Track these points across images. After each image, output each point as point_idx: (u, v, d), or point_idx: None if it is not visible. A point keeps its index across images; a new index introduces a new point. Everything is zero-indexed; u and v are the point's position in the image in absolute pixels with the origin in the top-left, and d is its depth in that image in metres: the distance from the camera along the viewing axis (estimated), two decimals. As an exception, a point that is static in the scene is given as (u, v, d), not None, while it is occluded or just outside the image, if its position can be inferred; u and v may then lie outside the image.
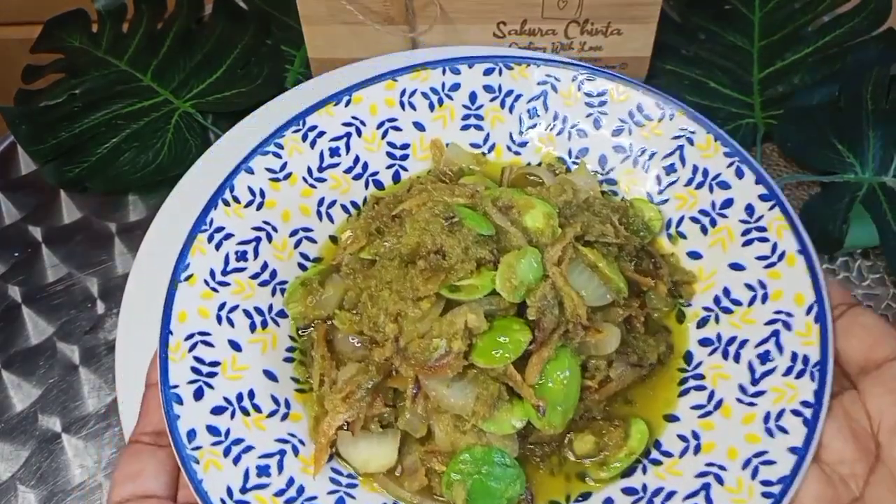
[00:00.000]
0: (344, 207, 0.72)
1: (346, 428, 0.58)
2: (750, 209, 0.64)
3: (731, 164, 0.66)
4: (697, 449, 0.57)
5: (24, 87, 0.86)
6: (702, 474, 0.55)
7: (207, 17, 0.93)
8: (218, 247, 0.66)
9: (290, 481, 0.57)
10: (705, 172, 0.67)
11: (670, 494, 0.55)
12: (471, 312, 0.56)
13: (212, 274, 0.65)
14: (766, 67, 0.85)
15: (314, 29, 0.81)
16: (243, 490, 0.55)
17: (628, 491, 0.57)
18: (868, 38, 0.83)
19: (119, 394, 0.65)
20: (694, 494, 0.55)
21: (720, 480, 0.54)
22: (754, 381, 0.58)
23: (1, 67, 0.85)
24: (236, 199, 0.68)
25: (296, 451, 0.59)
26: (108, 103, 0.86)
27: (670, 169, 0.69)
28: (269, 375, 0.62)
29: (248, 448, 0.58)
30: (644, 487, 0.57)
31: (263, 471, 0.57)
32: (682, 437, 0.58)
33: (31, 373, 0.74)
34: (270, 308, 0.66)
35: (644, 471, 0.58)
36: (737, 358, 0.60)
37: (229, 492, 0.55)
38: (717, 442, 0.57)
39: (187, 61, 0.89)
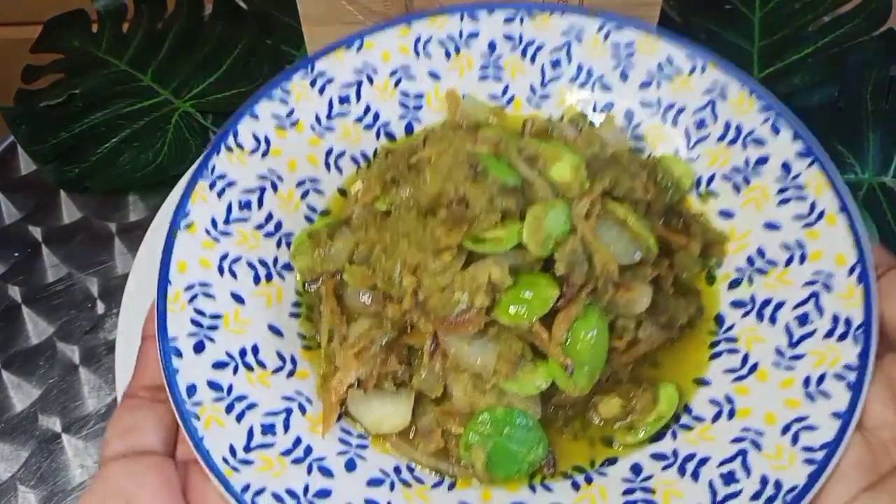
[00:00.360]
0: (353, 159, 0.68)
1: (357, 386, 0.54)
2: (787, 167, 0.60)
3: (766, 120, 0.62)
4: (732, 414, 0.54)
5: (24, 87, 0.86)
6: (737, 440, 0.52)
7: (207, 17, 0.92)
8: (220, 194, 0.62)
9: (297, 441, 0.53)
10: (738, 128, 0.64)
11: (703, 461, 0.52)
12: (495, 266, 0.52)
13: (213, 223, 0.61)
14: (766, 67, 0.84)
15: (314, 29, 0.77)
16: (247, 449, 0.52)
17: (658, 457, 0.54)
18: (868, 39, 0.82)
19: (119, 394, 0.63)
20: (730, 460, 0.51)
21: (758, 446, 0.51)
22: (792, 345, 0.55)
23: (1, 67, 0.86)
24: (240, 146, 0.64)
25: (303, 410, 0.55)
26: (108, 103, 0.86)
27: (701, 124, 0.65)
28: (274, 330, 0.59)
29: (252, 405, 0.54)
30: (675, 453, 0.53)
31: (269, 429, 0.53)
32: (714, 402, 0.55)
33: (31, 373, 0.73)
34: (276, 261, 0.62)
35: (674, 436, 0.54)
36: (773, 320, 0.56)
37: (232, 450, 0.51)
38: (752, 407, 0.53)
39: (187, 61, 0.88)
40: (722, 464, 0.51)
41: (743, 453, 0.51)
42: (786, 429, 0.51)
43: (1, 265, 0.78)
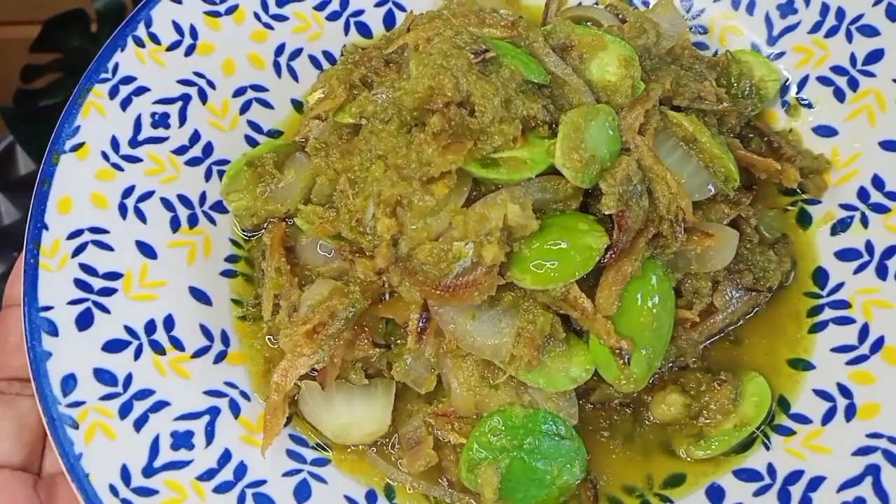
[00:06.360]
0: (313, 60, 0.50)
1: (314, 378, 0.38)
2: None
3: (879, 1, 0.45)
4: (851, 412, 0.38)
5: (23, 86, 0.85)
6: (862, 451, 0.37)
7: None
8: (125, 105, 0.45)
9: (226, 456, 0.38)
10: (840, 13, 0.47)
11: (815, 482, 0.36)
12: (512, 202, 0.35)
13: (114, 144, 0.44)
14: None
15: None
16: (149, 471, 0.36)
17: (746, 475, 0.38)
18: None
19: None
20: (854, 483, 0.36)
21: (894, 460, 0.35)
22: None
23: (1, 67, 0.86)
24: (154, 39, 0.47)
25: (236, 411, 0.40)
26: (107, 102, 0.82)
27: (787, 8, 0.48)
28: (198, 296, 0.43)
29: (161, 405, 0.38)
30: (771, 471, 0.38)
31: (183, 440, 0.38)
32: (822, 395, 0.40)
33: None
34: (203, 198, 0.46)
35: (768, 445, 0.38)
36: None
37: (126, 474, 0.36)
38: (882, 402, 0.38)
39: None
40: (843, 488, 0.36)
41: (873, 471, 0.36)
42: None
43: (1, 265, 0.76)
